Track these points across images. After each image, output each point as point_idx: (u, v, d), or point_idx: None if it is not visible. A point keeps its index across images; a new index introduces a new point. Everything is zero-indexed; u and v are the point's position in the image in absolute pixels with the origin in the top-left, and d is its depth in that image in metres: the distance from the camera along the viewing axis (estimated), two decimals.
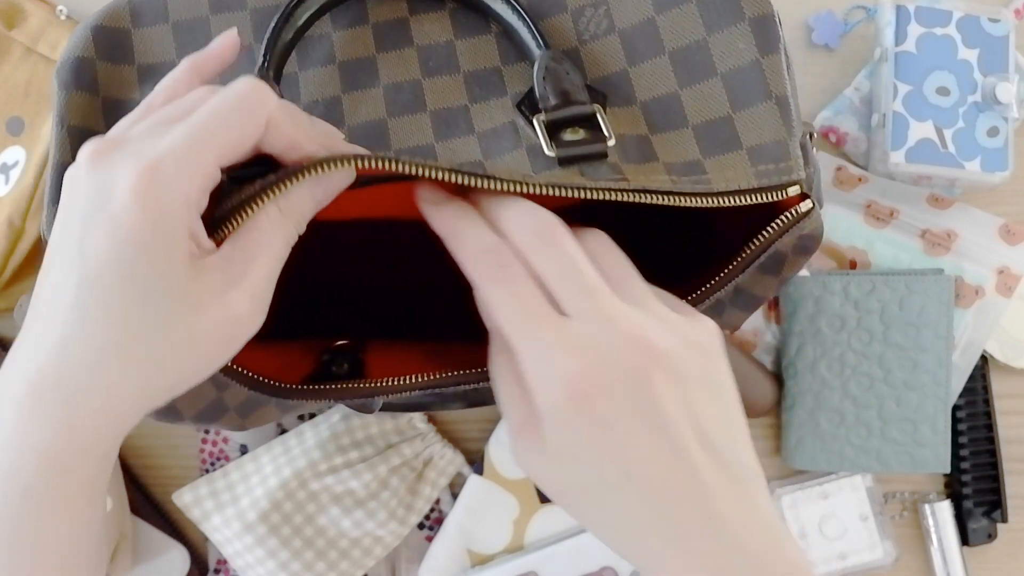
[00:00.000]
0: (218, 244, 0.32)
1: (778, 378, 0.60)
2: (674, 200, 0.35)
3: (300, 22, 0.38)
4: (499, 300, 0.32)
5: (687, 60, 0.38)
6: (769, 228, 0.37)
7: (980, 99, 0.56)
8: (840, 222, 0.60)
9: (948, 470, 0.57)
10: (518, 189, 0.34)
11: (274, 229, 0.32)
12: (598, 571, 0.57)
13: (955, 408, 0.59)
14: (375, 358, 0.43)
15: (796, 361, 0.58)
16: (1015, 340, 0.59)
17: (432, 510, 0.60)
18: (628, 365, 0.31)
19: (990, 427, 0.59)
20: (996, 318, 0.59)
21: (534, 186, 0.34)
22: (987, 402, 0.59)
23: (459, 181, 0.33)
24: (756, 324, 0.61)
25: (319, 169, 0.32)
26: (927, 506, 0.59)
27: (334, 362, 0.42)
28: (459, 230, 0.34)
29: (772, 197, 0.36)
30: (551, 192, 0.34)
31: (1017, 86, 0.56)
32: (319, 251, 0.46)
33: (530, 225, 0.33)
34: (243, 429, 0.44)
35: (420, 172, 0.33)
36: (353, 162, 0.32)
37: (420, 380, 0.39)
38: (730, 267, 0.38)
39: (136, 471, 0.61)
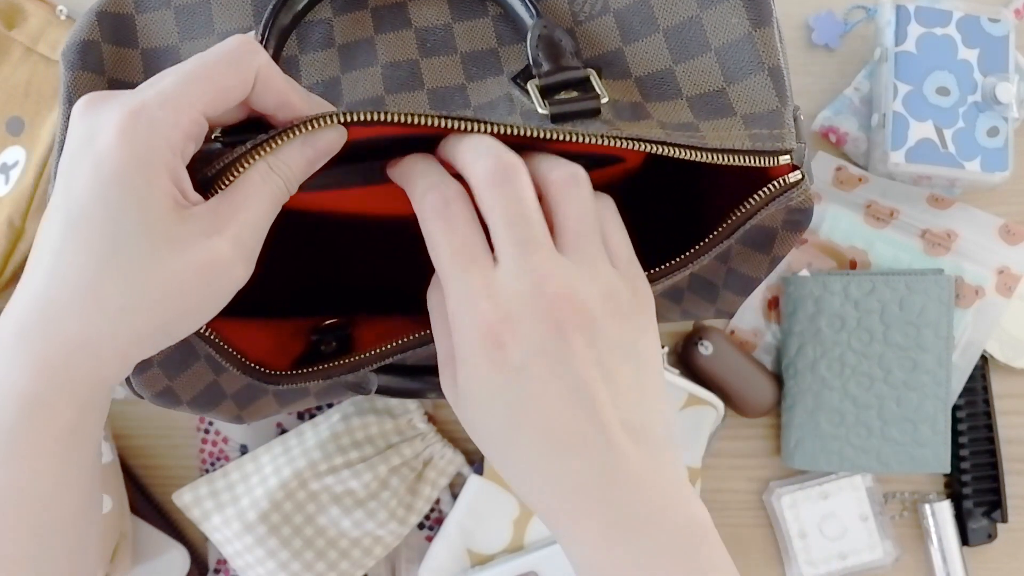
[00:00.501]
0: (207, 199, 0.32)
1: (778, 378, 0.60)
2: (667, 151, 0.35)
3: (299, 7, 0.39)
4: (437, 237, 0.33)
5: (681, 36, 0.39)
6: (757, 195, 0.37)
7: (980, 99, 0.56)
8: (840, 222, 0.60)
9: (948, 470, 0.57)
10: (507, 132, 0.34)
11: (263, 182, 0.32)
12: None
13: (955, 408, 0.59)
14: (363, 332, 0.43)
15: (796, 361, 0.58)
16: (1015, 340, 0.59)
17: (432, 510, 0.60)
18: (546, 318, 0.31)
19: (990, 427, 0.59)
20: (996, 318, 0.59)
21: (524, 129, 0.34)
22: (987, 402, 0.59)
23: (447, 126, 0.33)
24: (756, 324, 0.61)
25: (310, 126, 0.32)
26: (927, 506, 0.59)
27: (323, 341, 0.42)
28: (412, 171, 0.35)
29: (764, 162, 0.36)
30: (542, 135, 0.34)
31: (1017, 86, 0.56)
32: (310, 236, 0.47)
33: (488, 164, 0.33)
34: (242, 422, 0.44)
35: (409, 120, 0.33)
36: (344, 117, 0.32)
37: (405, 341, 0.39)
38: (717, 231, 0.39)
39: (136, 471, 0.61)
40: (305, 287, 0.48)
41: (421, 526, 0.60)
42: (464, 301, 0.32)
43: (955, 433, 0.59)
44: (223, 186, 0.32)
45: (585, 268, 0.33)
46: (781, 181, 0.37)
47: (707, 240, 0.39)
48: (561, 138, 0.34)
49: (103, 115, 0.30)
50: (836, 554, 0.59)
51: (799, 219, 0.41)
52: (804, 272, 0.59)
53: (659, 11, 0.39)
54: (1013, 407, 0.60)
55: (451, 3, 0.41)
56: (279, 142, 0.32)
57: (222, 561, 0.59)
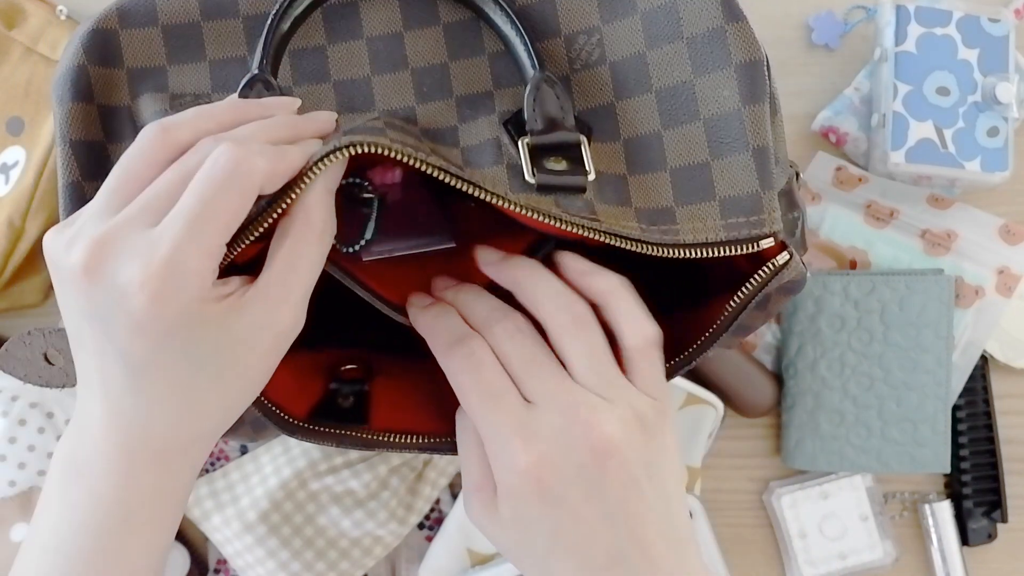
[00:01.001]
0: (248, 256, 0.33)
1: (778, 378, 0.60)
2: (641, 248, 0.36)
3: (286, 26, 0.38)
4: (466, 384, 0.35)
5: (672, 100, 0.38)
6: (748, 284, 0.38)
7: (980, 99, 0.56)
8: (840, 222, 0.60)
9: (948, 470, 0.57)
10: (497, 201, 0.35)
11: (302, 238, 0.32)
12: None
13: (955, 408, 0.59)
14: (380, 394, 0.43)
15: (796, 361, 0.58)
16: (1015, 340, 0.59)
17: (432, 510, 0.60)
18: (583, 455, 0.34)
19: (990, 427, 0.59)
20: (996, 318, 0.59)
21: (512, 203, 0.35)
22: (987, 402, 0.59)
23: (440, 177, 0.34)
24: None
25: (320, 168, 0.32)
26: (927, 506, 0.59)
27: (340, 393, 0.43)
28: (435, 325, 0.38)
29: (742, 250, 0.36)
30: (527, 214, 0.35)
31: (1017, 86, 0.56)
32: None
33: (492, 314, 0.37)
34: (254, 442, 0.44)
35: (405, 159, 0.33)
36: (349, 150, 0.32)
37: (419, 441, 0.40)
38: (718, 322, 0.39)
39: None
40: (326, 313, 0.48)
41: (421, 526, 0.60)
42: (503, 445, 0.34)
43: (955, 433, 0.59)
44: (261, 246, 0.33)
45: (610, 394, 0.35)
46: (772, 264, 0.37)
47: (707, 336, 0.39)
48: (545, 221, 0.35)
49: (120, 279, 0.29)
50: (836, 554, 0.59)
51: (792, 288, 0.40)
52: None
53: (654, 70, 0.38)
54: (1013, 407, 0.60)
55: (448, 37, 0.40)
56: (297, 192, 0.32)
57: (222, 561, 0.59)
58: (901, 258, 0.59)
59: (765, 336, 0.61)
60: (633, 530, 0.34)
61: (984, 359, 0.59)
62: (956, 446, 0.59)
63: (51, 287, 0.61)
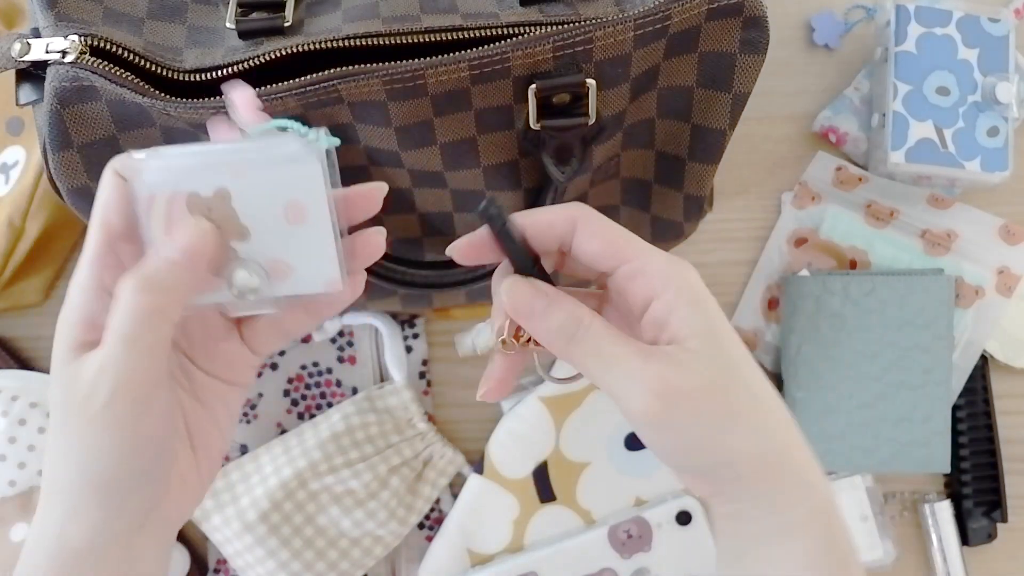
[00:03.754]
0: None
1: (778, 378, 0.60)
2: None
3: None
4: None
5: None
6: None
7: (980, 99, 0.56)
8: (840, 222, 0.60)
9: (948, 470, 0.57)
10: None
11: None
12: (598, 572, 0.57)
13: (955, 408, 0.59)
14: None
15: (796, 361, 0.58)
16: (1015, 340, 0.59)
17: (432, 510, 0.60)
18: None
19: (990, 427, 0.59)
20: (996, 318, 0.59)
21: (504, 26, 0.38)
22: (987, 402, 0.59)
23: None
24: (756, 324, 0.61)
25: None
26: (927, 506, 0.59)
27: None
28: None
29: None
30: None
31: (1017, 86, 0.56)
32: None
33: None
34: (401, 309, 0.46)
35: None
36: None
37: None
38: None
39: None
40: None
41: (421, 526, 0.60)
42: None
43: (955, 433, 0.59)
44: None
45: None
46: None
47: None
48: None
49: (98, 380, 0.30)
50: None
51: (755, 36, 0.41)
52: (804, 272, 0.59)
53: None
54: (1013, 407, 0.60)
55: None
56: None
57: (222, 561, 0.59)
58: (901, 258, 0.59)
59: (765, 336, 0.61)
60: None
61: (984, 359, 0.59)
62: (956, 446, 0.59)
63: (51, 286, 0.61)
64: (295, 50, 0.38)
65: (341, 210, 0.32)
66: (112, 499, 0.31)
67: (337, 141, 0.31)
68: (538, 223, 0.33)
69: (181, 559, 0.59)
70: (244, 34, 0.39)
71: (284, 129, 0.30)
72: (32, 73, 0.40)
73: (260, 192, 0.30)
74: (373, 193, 0.34)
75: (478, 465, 0.58)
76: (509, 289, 0.33)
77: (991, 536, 0.59)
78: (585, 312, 0.33)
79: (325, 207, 0.30)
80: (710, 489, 0.34)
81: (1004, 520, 0.59)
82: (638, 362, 0.31)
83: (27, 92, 0.40)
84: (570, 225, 0.33)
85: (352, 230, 0.33)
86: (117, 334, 0.30)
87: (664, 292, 0.32)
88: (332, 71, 0.38)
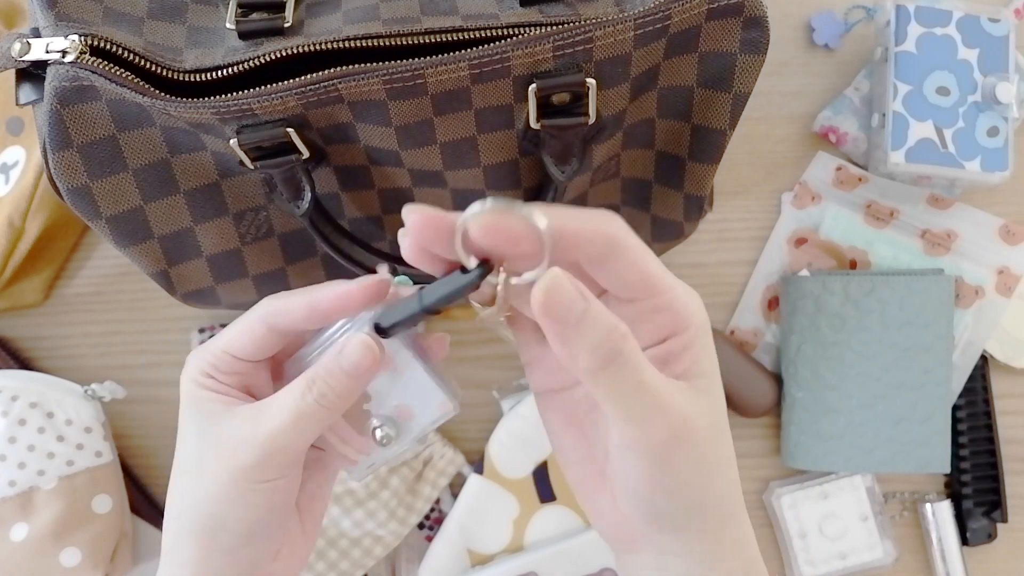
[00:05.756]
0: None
1: (778, 378, 0.60)
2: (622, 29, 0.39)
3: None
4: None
5: None
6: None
7: (980, 99, 0.56)
8: (840, 222, 0.60)
9: (948, 470, 0.57)
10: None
11: (300, 397, 0.34)
12: (598, 572, 0.57)
13: (955, 408, 0.59)
14: None
15: (796, 361, 0.58)
16: (1015, 340, 0.59)
17: (432, 510, 0.60)
18: None
19: (990, 427, 0.59)
20: (996, 318, 0.59)
21: (503, 26, 0.39)
22: (987, 402, 0.59)
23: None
24: (756, 324, 0.61)
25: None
26: (927, 506, 0.59)
27: None
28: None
29: None
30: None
31: (1017, 86, 0.56)
32: None
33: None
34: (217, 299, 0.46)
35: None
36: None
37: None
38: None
39: (136, 471, 0.61)
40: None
41: (421, 526, 0.60)
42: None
43: (955, 433, 0.59)
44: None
45: None
46: None
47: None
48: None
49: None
50: (836, 554, 0.59)
51: (755, 36, 0.41)
52: (804, 272, 0.59)
53: None
54: (1013, 407, 0.60)
55: None
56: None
57: None
58: (901, 258, 0.59)
59: (765, 336, 0.61)
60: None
61: (984, 359, 0.59)
62: (956, 446, 0.59)
63: (51, 286, 0.61)
64: (295, 51, 0.38)
65: (420, 348, 0.36)
66: (232, 548, 0.34)
67: (407, 281, 0.35)
68: (571, 236, 0.29)
69: None
70: (244, 35, 0.39)
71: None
72: (32, 73, 0.40)
73: None
74: (443, 345, 0.37)
75: (478, 465, 0.58)
76: (551, 283, 0.27)
77: (991, 536, 0.59)
78: (619, 331, 0.28)
79: (406, 351, 0.35)
80: (666, 537, 0.33)
81: (1004, 520, 0.59)
82: (668, 395, 0.30)
83: (27, 92, 0.40)
84: (607, 247, 0.29)
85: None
86: (290, 407, 0.33)
87: (684, 330, 0.31)
88: (332, 70, 0.38)
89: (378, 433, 0.36)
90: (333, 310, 0.34)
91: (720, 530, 0.32)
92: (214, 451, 0.33)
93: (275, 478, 0.33)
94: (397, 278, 0.35)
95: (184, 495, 0.34)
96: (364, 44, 0.39)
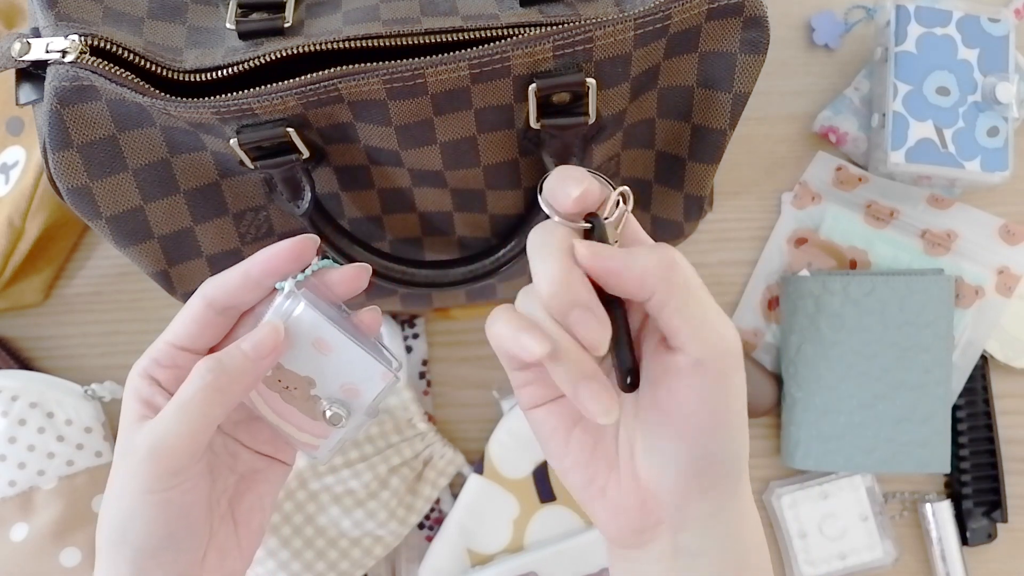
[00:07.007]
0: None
1: (778, 378, 0.60)
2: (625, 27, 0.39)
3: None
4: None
5: None
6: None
7: (980, 99, 0.56)
8: (840, 222, 0.60)
9: (948, 470, 0.57)
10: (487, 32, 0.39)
11: (200, 377, 0.35)
12: (598, 572, 0.57)
13: (955, 408, 0.59)
14: None
15: (796, 361, 0.58)
16: (1015, 340, 0.59)
17: (432, 510, 0.60)
18: None
19: (990, 427, 0.59)
20: (996, 318, 0.59)
21: (503, 26, 0.39)
22: (987, 402, 0.59)
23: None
24: (756, 324, 0.61)
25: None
26: (927, 506, 0.59)
27: None
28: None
29: None
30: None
31: (1017, 86, 0.56)
32: None
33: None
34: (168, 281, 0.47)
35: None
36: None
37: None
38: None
39: None
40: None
41: (421, 526, 0.60)
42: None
43: (955, 433, 0.59)
44: None
45: None
46: None
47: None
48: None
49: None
50: (836, 554, 0.59)
51: (755, 36, 0.41)
52: (804, 272, 0.59)
53: None
54: (1013, 407, 0.60)
55: None
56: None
57: None
58: (901, 258, 0.59)
59: (765, 336, 0.61)
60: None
61: (984, 359, 0.59)
62: (956, 446, 0.59)
63: (51, 286, 0.61)
64: (295, 51, 0.38)
65: (353, 325, 0.37)
66: (140, 561, 0.34)
67: (331, 264, 0.37)
68: (626, 275, 0.31)
69: None
70: (244, 35, 0.39)
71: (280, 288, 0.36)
72: (32, 73, 0.40)
73: (295, 348, 0.36)
74: (359, 276, 0.37)
75: (478, 465, 0.58)
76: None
77: (991, 536, 0.59)
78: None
79: (335, 331, 0.36)
80: (695, 504, 0.33)
81: (1004, 520, 0.59)
82: (716, 312, 0.33)
83: (27, 92, 0.40)
84: (663, 285, 0.31)
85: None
86: (175, 401, 0.33)
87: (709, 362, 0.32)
88: (332, 70, 0.38)
89: (327, 414, 0.37)
90: (265, 273, 0.35)
91: (741, 486, 0.34)
92: (123, 465, 0.34)
93: (166, 488, 0.33)
94: (322, 261, 0.36)
95: (105, 508, 0.35)
96: (364, 44, 0.39)
